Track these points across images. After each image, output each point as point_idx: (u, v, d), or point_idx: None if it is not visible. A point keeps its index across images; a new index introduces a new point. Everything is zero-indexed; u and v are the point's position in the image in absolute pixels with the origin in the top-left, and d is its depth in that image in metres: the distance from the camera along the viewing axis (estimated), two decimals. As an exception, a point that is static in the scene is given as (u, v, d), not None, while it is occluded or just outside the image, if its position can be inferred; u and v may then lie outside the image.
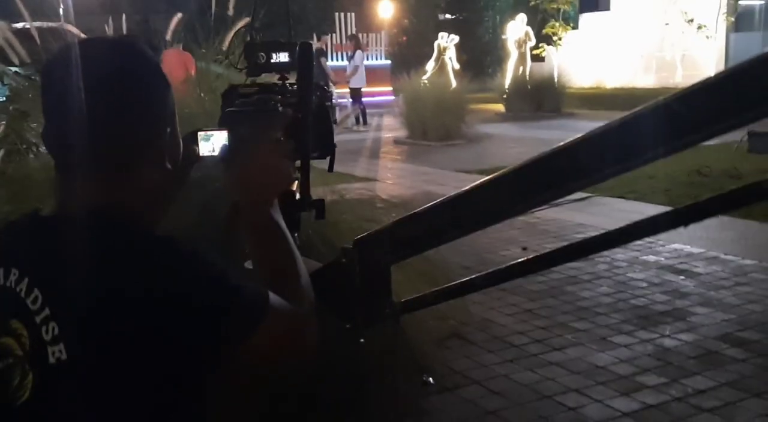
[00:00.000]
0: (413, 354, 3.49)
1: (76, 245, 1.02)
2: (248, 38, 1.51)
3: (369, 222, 5.89)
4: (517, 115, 17.03)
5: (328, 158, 1.40)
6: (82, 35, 5.31)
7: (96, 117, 1.05)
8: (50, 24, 6.29)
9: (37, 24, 5.93)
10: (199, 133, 1.30)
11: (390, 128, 15.09)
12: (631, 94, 23.74)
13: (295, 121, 1.28)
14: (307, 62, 1.31)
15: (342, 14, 23.67)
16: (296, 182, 1.31)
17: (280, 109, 1.27)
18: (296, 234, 1.33)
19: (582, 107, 18.38)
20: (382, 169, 10.01)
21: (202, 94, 4.04)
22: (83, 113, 1.05)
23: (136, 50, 1.13)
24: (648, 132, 1.11)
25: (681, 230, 4.12)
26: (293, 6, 37.20)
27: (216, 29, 4.62)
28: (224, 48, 4.52)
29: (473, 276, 1.46)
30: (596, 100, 20.55)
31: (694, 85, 1.03)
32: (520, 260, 1.31)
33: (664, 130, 1.09)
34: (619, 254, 5.25)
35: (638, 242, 5.51)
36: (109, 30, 4.52)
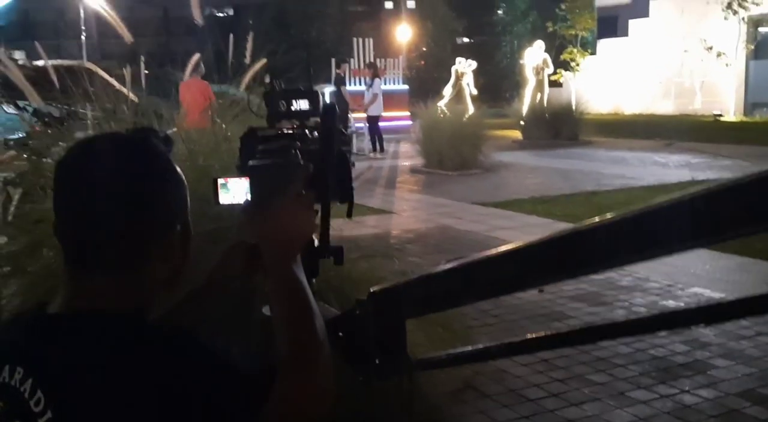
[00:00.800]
0: (427, 407, 3.42)
1: (82, 349, 1.02)
2: (267, 81, 1.53)
3: (384, 257, 5.85)
4: (534, 143, 16.97)
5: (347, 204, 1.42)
6: (102, 73, 5.34)
7: (106, 217, 1.08)
8: (70, 62, 6.34)
9: (57, 62, 5.98)
10: (219, 181, 1.32)
11: (406, 155, 15.08)
12: (649, 121, 23.70)
13: (316, 170, 1.28)
14: (329, 122, 1.32)
15: (360, 39, 23.72)
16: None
17: (302, 162, 1.26)
18: (313, 281, 1.34)
19: (600, 134, 18.28)
20: (398, 200, 9.98)
21: (222, 124, 4.03)
22: (94, 212, 1.08)
23: (148, 149, 1.14)
24: (668, 227, 1.06)
25: (700, 273, 4.09)
26: (311, 31, 37.58)
27: (233, 71, 4.64)
28: (242, 89, 4.52)
29: (491, 344, 1.44)
30: (614, 127, 20.47)
31: (721, 185, 0.99)
32: (537, 335, 1.33)
33: (686, 227, 1.04)
34: (638, 298, 5.17)
35: (656, 285, 5.44)
36: (128, 74, 4.51)
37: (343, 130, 1.43)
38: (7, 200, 5.46)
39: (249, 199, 1.26)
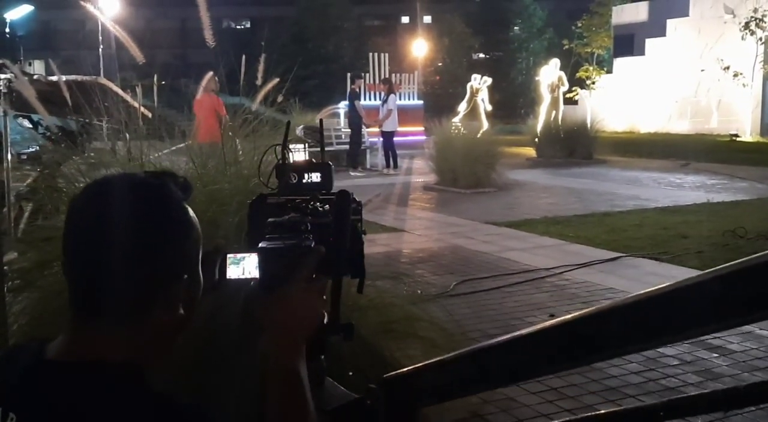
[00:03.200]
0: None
1: (78, 403, 1.00)
2: (279, 162, 1.51)
3: (394, 280, 5.81)
4: (548, 161, 16.92)
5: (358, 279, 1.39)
6: (115, 88, 5.34)
7: (112, 264, 1.06)
8: (83, 78, 6.36)
9: (71, 77, 6.00)
10: (228, 256, 1.29)
11: (420, 172, 15.05)
12: (665, 140, 23.58)
13: (329, 249, 1.25)
14: (343, 209, 1.30)
15: (376, 54, 23.78)
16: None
17: (313, 242, 1.23)
18: (322, 357, 1.32)
19: (615, 153, 18.21)
20: (410, 218, 9.94)
21: (232, 144, 4.02)
22: (100, 258, 1.06)
23: (164, 195, 1.12)
24: (684, 310, 1.03)
25: None
26: (329, 46, 37.70)
27: (248, 86, 4.65)
28: (253, 108, 4.51)
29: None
30: (630, 146, 20.39)
31: (735, 265, 0.95)
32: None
33: (701, 310, 1.01)
34: (650, 325, 5.10)
35: (670, 311, 5.36)
36: (139, 89, 4.51)
37: (357, 202, 1.39)
38: (19, 214, 5.47)
39: (257, 279, 1.23)
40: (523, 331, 1.18)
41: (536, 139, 18.56)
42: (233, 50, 4.69)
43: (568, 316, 1.09)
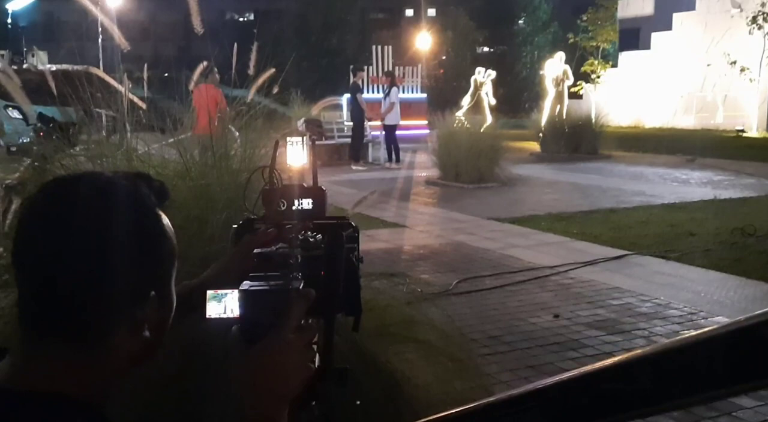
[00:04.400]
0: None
1: None
2: (266, 186, 1.38)
3: (393, 278, 5.64)
4: (552, 156, 16.73)
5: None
6: (107, 78, 5.17)
7: (67, 277, 0.91)
8: (74, 67, 6.19)
9: (61, 67, 5.83)
10: (209, 292, 1.19)
11: (422, 166, 14.87)
12: (671, 135, 23.37)
13: (321, 291, 1.10)
14: (336, 248, 1.14)
15: (379, 47, 23.59)
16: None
17: (301, 287, 1.09)
18: (314, 404, 1.18)
19: (620, 148, 18.02)
20: (412, 213, 9.76)
21: (227, 136, 3.85)
22: (53, 271, 0.92)
23: (133, 200, 0.98)
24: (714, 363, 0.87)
25: (724, 301, 3.80)
26: (332, 39, 37.52)
27: (241, 82, 4.50)
28: (248, 100, 4.35)
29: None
30: (635, 141, 20.17)
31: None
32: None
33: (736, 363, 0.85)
34: (658, 327, 4.93)
35: (677, 313, 5.20)
36: (125, 80, 4.34)
37: (352, 227, 1.28)
38: (8, 208, 5.31)
39: (239, 325, 1.09)
40: (520, 391, 1.01)
41: (540, 134, 18.36)
42: (238, 42, 4.54)
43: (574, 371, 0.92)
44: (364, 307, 3.49)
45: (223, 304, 1.16)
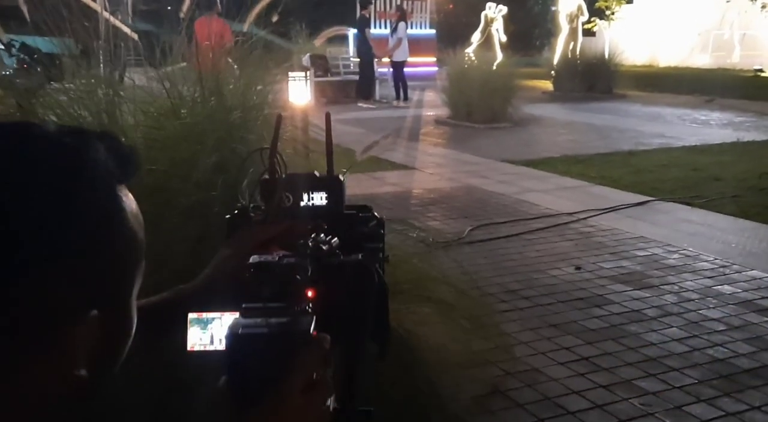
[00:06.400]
0: (444, 419, 2.88)
1: None
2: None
3: (403, 225, 5.28)
4: (566, 96, 16.21)
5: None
6: (93, 5, 4.75)
7: None
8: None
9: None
10: (190, 316, 0.91)
11: (431, 105, 14.37)
12: (687, 75, 22.67)
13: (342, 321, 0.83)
14: (364, 290, 0.85)
15: (388, -20, 22.81)
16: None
17: (313, 326, 0.75)
18: None
19: (635, 88, 17.48)
20: (422, 154, 9.34)
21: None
22: None
23: (76, 167, 0.65)
24: None
25: (758, 251, 3.40)
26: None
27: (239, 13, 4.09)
28: (245, 29, 3.93)
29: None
30: (650, 79, 19.59)
31: None
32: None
33: None
34: (689, 281, 4.57)
35: (708, 265, 4.85)
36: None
37: (377, 220, 1.00)
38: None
39: (227, 378, 0.74)
40: None
41: (553, 72, 17.78)
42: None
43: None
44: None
45: (209, 333, 0.87)
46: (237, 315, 0.78)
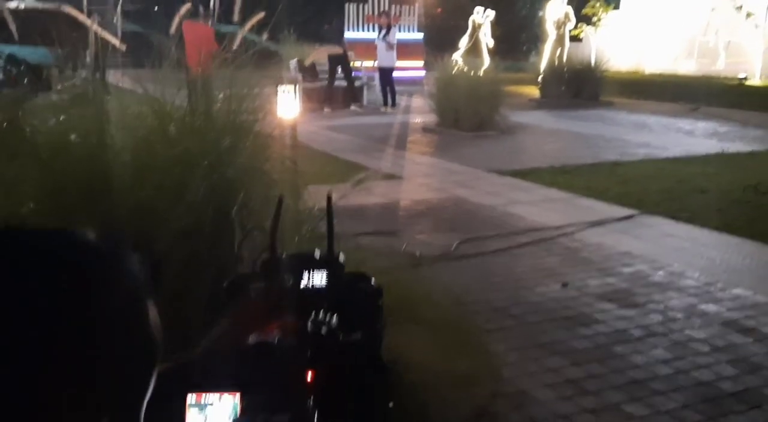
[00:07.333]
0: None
1: None
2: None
3: (391, 238, 5.30)
4: (552, 102, 16.26)
5: None
6: (82, 18, 4.74)
7: None
8: (46, 6, 5.70)
9: (32, 5, 5.36)
10: (189, 398, 0.87)
11: (419, 111, 14.39)
12: (673, 82, 22.82)
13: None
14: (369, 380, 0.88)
15: (376, -17, 22.81)
16: None
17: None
18: None
19: (621, 95, 17.56)
20: (409, 163, 9.35)
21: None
22: None
23: (108, 277, 0.66)
24: None
25: (741, 268, 3.44)
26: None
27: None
28: (233, 48, 3.92)
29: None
30: (636, 86, 19.71)
31: None
32: None
33: None
34: (674, 300, 4.61)
35: (693, 283, 4.89)
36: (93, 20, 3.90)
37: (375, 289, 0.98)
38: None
39: None
40: None
41: (540, 79, 17.84)
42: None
43: None
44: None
45: (204, 416, 0.85)
46: (235, 395, 0.78)
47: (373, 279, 1.09)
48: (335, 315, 0.91)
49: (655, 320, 4.29)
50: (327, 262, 1.00)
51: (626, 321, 4.25)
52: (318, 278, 0.99)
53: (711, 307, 4.50)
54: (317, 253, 1.02)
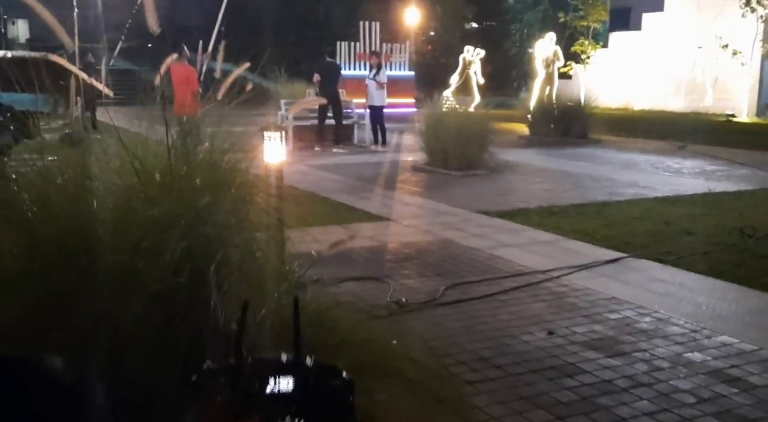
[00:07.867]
0: None
1: None
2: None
3: (377, 283, 5.28)
4: (541, 140, 16.38)
5: None
6: (68, 66, 4.78)
7: None
8: (32, 54, 5.73)
9: (18, 53, 5.39)
10: None
11: (409, 149, 14.46)
12: (660, 119, 23.07)
13: None
14: None
15: (367, 23, 23.08)
16: None
17: None
18: None
19: (610, 132, 17.72)
20: (398, 204, 9.36)
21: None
22: None
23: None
24: None
25: (727, 315, 3.41)
26: (320, 9, 36.79)
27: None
28: (218, 98, 3.94)
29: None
30: (625, 124, 19.90)
31: None
32: None
33: None
34: (660, 348, 4.59)
35: (679, 330, 4.88)
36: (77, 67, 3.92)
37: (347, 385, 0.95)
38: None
39: None
40: None
41: (529, 116, 18.00)
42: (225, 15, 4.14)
43: None
44: (341, 343, 3.10)
45: None
46: None
47: (344, 373, 1.09)
48: (302, 420, 0.90)
49: (640, 370, 4.27)
50: (294, 366, 1.00)
51: (611, 371, 4.23)
52: (284, 383, 0.98)
53: (697, 356, 4.48)
54: (284, 357, 1.02)
